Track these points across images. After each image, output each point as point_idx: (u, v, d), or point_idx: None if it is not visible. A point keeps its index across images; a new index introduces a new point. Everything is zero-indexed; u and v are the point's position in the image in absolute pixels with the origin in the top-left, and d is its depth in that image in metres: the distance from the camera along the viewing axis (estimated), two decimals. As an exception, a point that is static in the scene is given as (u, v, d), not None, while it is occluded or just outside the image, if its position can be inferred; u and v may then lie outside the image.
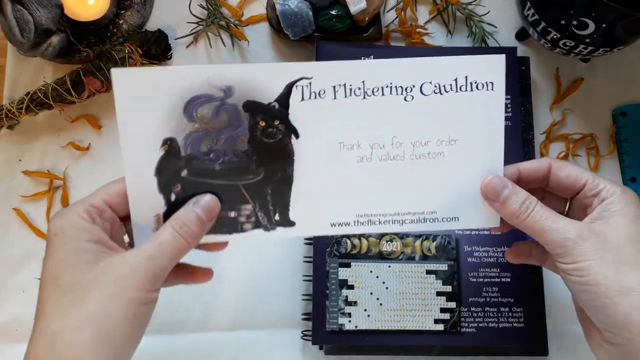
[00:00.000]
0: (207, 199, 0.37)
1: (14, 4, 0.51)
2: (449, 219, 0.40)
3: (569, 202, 0.42)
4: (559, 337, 0.53)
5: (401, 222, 0.40)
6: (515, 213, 0.38)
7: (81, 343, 0.32)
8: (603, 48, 0.51)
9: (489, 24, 0.60)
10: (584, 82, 0.60)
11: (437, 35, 0.61)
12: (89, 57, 0.56)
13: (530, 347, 0.51)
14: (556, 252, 0.37)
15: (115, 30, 0.58)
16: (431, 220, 0.40)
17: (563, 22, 0.49)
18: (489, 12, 0.61)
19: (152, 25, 0.60)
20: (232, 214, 0.39)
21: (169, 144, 0.37)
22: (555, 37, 0.51)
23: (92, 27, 0.57)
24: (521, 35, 0.60)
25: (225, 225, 0.39)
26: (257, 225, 0.39)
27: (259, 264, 0.55)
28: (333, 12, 0.56)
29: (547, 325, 0.52)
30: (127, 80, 0.36)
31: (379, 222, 0.40)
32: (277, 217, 0.39)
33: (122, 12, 0.58)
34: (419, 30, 0.60)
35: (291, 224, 0.40)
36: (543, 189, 0.42)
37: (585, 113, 0.59)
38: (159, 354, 0.53)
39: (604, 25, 0.48)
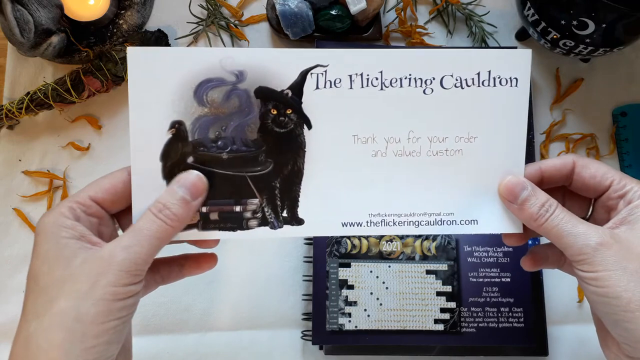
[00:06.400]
0: (191, 178, 0.35)
1: (14, 4, 0.50)
2: (467, 222, 0.38)
3: (593, 202, 0.39)
4: (559, 337, 0.53)
5: (417, 223, 0.38)
6: (534, 216, 0.35)
7: (51, 346, 0.30)
8: (603, 48, 0.51)
9: (489, 24, 0.60)
10: (584, 82, 0.60)
11: (437, 35, 0.61)
12: (89, 57, 0.56)
13: (530, 347, 0.51)
14: (575, 259, 0.34)
15: (115, 30, 0.58)
16: (449, 223, 0.38)
17: (563, 22, 0.49)
18: (489, 12, 0.61)
19: (152, 25, 0.60)
20: (238, 209, 0.37)
21: (177, 128, 0.36)
22: (555, 37, 0.51)
23: (92, 27, 0.57)
24: (521, 35, 0.60)
25: (229, 221, 0.37)
26: (263, 222, 0.37)
27: (259, 264, 0.55)
28: (333, 12, 0.56)
29: (547, 325, 0.52)
30: (141, 59, 0.35)
31: (393, 223, 0.38)
32: (284, 214, 0.37)
33: (122, 12, 0.58)
34: (419, 30, 0.60)
35: (300, 222, 0.37)
36: (565, 188, 0.39)
37: (585, 113, 0.59)
38: (159, 354, 0.53)
39: (604, 25, 0.48)
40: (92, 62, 0.55)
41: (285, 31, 0.56)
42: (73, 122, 0.58)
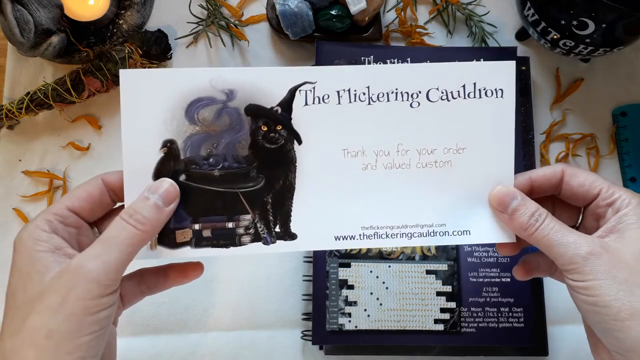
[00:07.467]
0: (163, 185, 0.35)
1: (14, 4, 0.50)
2: (459, 233, 0.38)
3: (583, 210, 0.39)
4: (559, 337, 0.53)
5: (409, 235, 0.38)
6: (524, 226, 0.35)
7: None
8: (603, 48, 0.51)
9: (489, 24, 0.60)
10: (584, 82, 0.60)
11: (437, 35, 0.61)
12: (89, 57, 0.56)
13: (530, 347, 0.51)
14: (565, 269, 0.34)
15: (115, 30, 0.58)
16: (441, 234, 0.38)
17: (563, 22, 0.49)
18: (489, 12, 0.61)
19: (152, 25, 0.61)
20: (230, 225, 0.38)
21: (169, 146, 0.37)
22: (555, 37, 0.51)
23: (92, 27, 0.57)
24: (521, 35, 0.60)
25: (222, 237, 0.38)
26: (256, 238, 0.38)
27: (259, 264, 0.55)
28: (333, 12, 0.56)
29: (547, 325, 0.52)
30: (133, 81, 0.36)
31: (386, 236, 0.38)
32: (277, 229, 0.38)
33: (122, 12, 0.58)
34: (419, 30, 0.60)
35: (292, 236, 0.38)
36: (555, 197, 0.40)
37: (585, 113, 0.59)
38: (159, 354, 0.53)
39: (604, 25, 0.48)
40: (92, 62, 0.55)
41: (285, 31, 0.56)
42: (73, 122, 0.58)
